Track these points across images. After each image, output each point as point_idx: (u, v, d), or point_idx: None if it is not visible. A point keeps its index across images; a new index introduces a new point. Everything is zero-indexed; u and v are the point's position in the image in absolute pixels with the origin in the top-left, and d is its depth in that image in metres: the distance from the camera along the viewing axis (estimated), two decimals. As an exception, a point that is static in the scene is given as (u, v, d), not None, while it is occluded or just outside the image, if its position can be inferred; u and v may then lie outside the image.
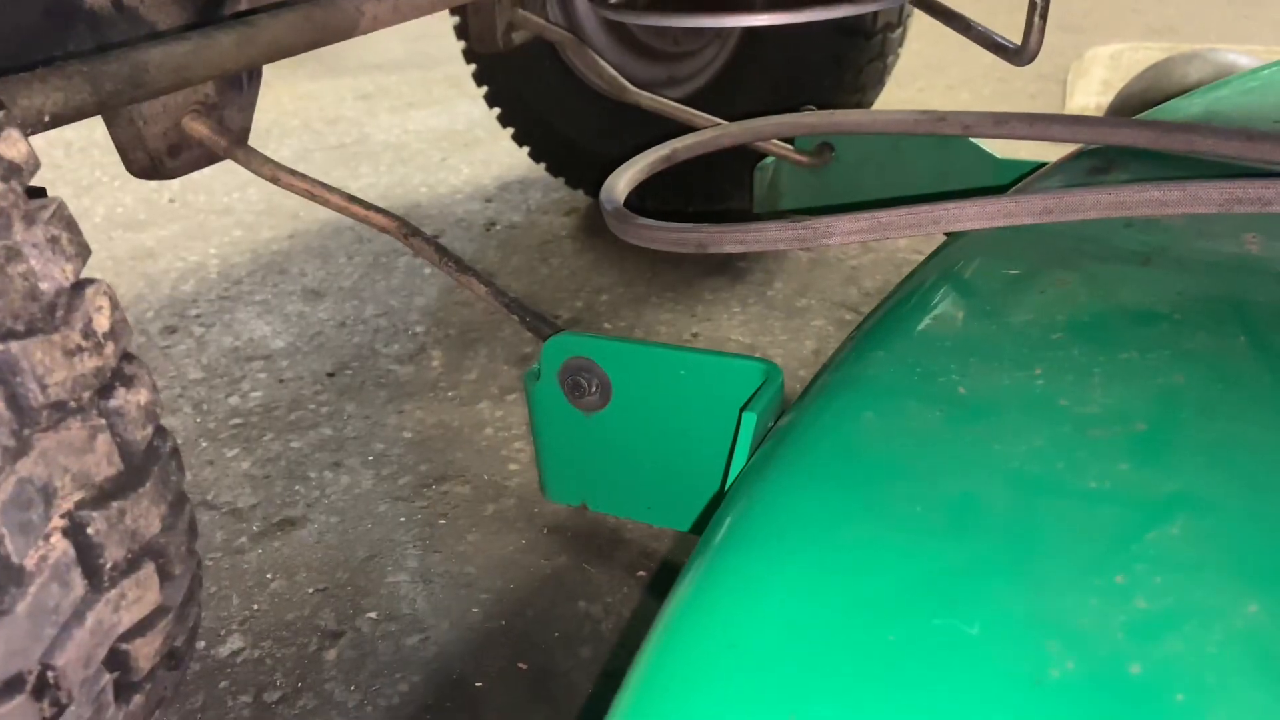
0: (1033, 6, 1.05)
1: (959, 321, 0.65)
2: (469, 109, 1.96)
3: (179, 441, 1.30)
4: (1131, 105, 1.83)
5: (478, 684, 0.91)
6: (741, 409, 0.63)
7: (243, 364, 1.48)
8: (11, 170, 0.48)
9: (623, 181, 0.85)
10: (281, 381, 1.43)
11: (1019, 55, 1.10)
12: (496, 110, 1.91)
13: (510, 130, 1.93)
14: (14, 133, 0.48)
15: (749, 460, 0.60)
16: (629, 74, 1.60)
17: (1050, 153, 0.97)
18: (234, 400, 1.39)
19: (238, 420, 1.34)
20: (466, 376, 1.42)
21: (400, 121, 2.58)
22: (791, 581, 0.44)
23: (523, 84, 1.83)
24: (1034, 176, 0.90)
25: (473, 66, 1.89)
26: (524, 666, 0.93)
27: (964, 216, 0.68)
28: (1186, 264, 0.68)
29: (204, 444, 1.30)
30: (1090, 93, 2.41)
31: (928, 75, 2.70)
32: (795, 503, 0.49)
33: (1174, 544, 0.42)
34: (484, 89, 1.90)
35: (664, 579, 1.03)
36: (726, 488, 0.59)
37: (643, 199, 1.10)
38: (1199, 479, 0.47)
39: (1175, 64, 1.85)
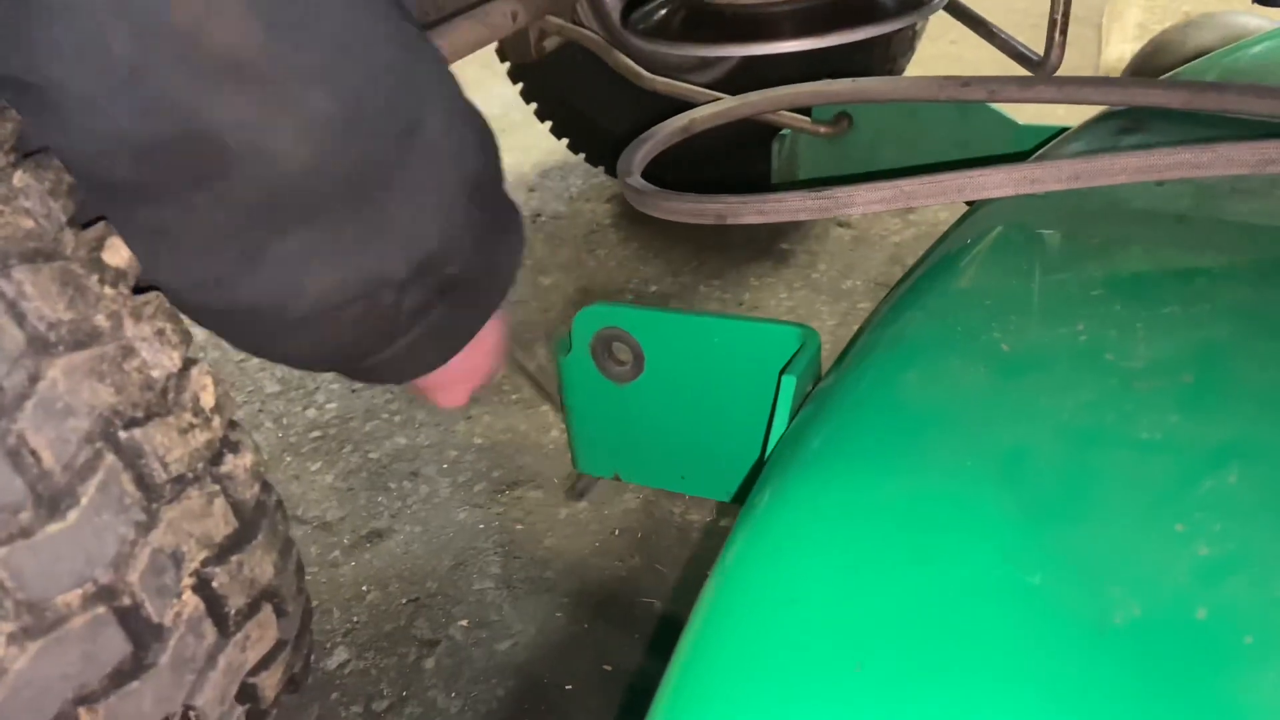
0: (1053, 23, 1.04)
1: (995, 281, 0.64)
2: (503, 91, 1.95)
3: (265, 455, 1.37)
4: (1143, 73, 1.78)
5: (568, 687, 0.96)
6: (780, 372, 0.62)
7: (315, 375, 1.53)
8: (118, 275, 0.52)
9: (640, 154, 0.82)
10: (354, 391, 1.48)
11: (1041, 68, 1.09)
12: (533, 105, 1.93)
13: (548, 123, 1.95)
14: (116, 240, 0.52)
15: (789, 425, 0.59)
16: (662, 59, 1.60)
17: (1072, 117, 0.93)
18: (311, 413, 1.45)
19: (316, 433, 1.41)
20: (528, 378, 1.46)
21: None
22: (844, 540, 0.44)
23: (557, 80, 1.85)
24: (1059, 140, 0.87)
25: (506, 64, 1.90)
26: (609, 668, 0.98)
27: (990, 184, 0.65)
28: (1221, 219, 0.66)
29: (288, 459, 1.36)
30: (1126, 39, 2.31)
31: (945, 62, 2.60)
32: (842, 463, 0.49)
33: (1231, 491, 0.42)
34: (519, 85, 1.92)
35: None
36: (767, 454, 0.58)
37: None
38: (1252, 427, 0.46)
39: (1190, 29, 1.78)
